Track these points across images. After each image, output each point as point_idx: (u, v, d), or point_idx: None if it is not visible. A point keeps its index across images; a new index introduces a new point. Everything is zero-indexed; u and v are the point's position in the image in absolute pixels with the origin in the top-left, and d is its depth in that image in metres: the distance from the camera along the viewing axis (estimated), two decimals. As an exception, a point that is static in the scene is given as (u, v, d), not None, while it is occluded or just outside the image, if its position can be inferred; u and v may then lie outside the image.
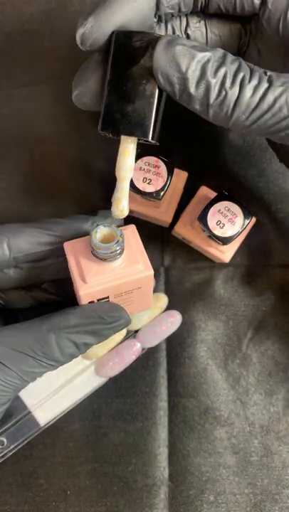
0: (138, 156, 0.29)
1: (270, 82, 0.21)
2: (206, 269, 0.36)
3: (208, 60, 0.21)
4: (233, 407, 0.34)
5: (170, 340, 0.34)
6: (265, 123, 0.22)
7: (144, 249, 0.26)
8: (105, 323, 0.26)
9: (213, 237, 0.30)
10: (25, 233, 0.27)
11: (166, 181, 0.30)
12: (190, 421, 0.34)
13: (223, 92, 0.21)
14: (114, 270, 0.25)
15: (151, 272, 0.26)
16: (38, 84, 0.37)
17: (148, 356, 0.34)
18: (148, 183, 0.30)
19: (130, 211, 0.34)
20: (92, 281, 0.25)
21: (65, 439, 0.33)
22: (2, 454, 0.32)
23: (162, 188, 0.30)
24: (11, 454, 0.32)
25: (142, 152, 0.29)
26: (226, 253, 0.33)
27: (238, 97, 0.21)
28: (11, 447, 0.32)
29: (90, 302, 0.26)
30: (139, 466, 0.33)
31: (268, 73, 0.22)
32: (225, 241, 0.30)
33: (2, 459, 0.32)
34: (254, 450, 0.33)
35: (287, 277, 0.35)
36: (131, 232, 0.27)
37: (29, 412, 0.32)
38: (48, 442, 0.33)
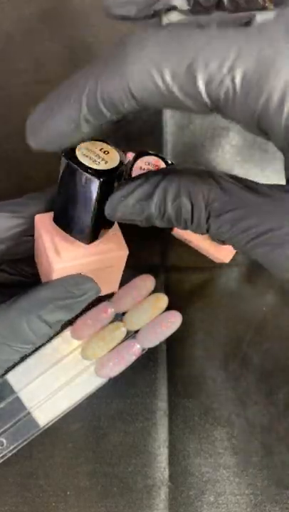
0: (138, 156, 0.29)
1: (208, 226, 0.21)
2: (206, 269, 0.36)
3: (153, 212, 0.21)
4: (233, 407, 0.34)
5: (170, 340, 0.34)
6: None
7: (119, 230, 0.27)
8: (75, 296, 0.25)
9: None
10: None
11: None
12: (190, 421, 0.34)
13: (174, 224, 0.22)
14: (89, 246, 0.25)
15: (125, 252, 0.26)
16: (38, 84, 0.37)
17: (148, 356, 0.34)
18: (148, 183, 0.29)
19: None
20: (66, 256, 0.25)
21: (64, 439, 0.33)
22: (2, 455, 0.32)
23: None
24: (10, 454, 0.32)
25: (141, 152, 0.29)
26: (226, 253, 0.33)
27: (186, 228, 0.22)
28: (11, 448, 0.32)
29: None
30: (139, 467, 0.33)
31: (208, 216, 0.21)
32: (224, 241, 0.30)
33: (1, 460, 0.32)
34: (254, 450, 0.33)
35: (287, 277, 0.35)
36: None
37: (28, 413, 0.32)
38: (47, 443, 0.33)
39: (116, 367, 0.32)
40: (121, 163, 0.23)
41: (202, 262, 0.35)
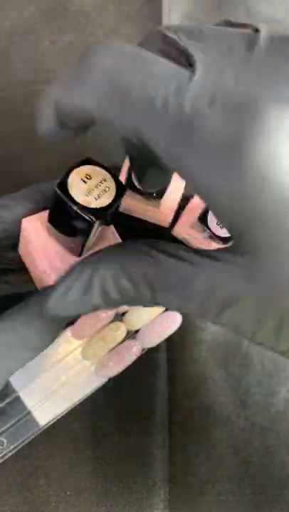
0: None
1: (154, 300, 0.20)
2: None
3: (98, 303, 0.21)
4: (233, 407, 0.34)
5: (170, 340, 0.34)
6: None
7: (115, 230, 0.26)
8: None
9: (213, 237, 0.30)
10: None
11: (166, 181, 0.29)
12: (190, 421, 0.34)
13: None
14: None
15: None
16: (38, 84, 0.37)
17: (148, 356, 0.34)
18: (148, 183, 0.29)
19: (130, 210, 0.34)
20: (62, 264, 0.24)
21: (64, 439, 0.33)
22: (2, 455, 0.32)
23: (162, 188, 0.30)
24: (10, 454, 0.32)
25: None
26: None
27: None
28: (11, 448, 0.32)
29: None
30: (139, 467, 0.33)
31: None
32: (225, 241, 0.30)
33: (2, 460, 0.32)
34: (254, 451, 0.33)
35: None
36: None
37: (29, 413, 0.32)
38: (47, 442, 0.33)
39: (116, 367, 0.32)
40: (114, 201, 0.22)
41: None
